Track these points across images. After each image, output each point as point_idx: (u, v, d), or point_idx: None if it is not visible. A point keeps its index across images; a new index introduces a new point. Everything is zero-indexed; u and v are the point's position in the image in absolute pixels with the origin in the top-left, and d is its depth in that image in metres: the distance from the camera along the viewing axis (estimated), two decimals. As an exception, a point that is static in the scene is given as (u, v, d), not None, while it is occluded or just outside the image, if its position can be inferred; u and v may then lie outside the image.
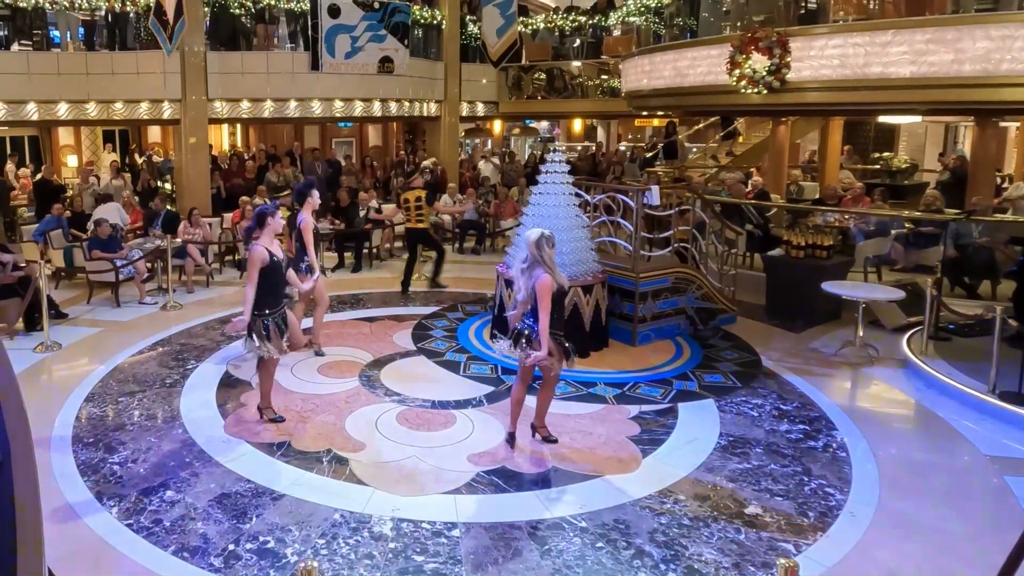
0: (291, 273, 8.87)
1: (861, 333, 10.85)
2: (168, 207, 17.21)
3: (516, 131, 33.06)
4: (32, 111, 17.73)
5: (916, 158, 23.90)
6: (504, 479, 7.39)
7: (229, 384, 9.83)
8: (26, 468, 2.98)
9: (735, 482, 7.36)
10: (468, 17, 24.63)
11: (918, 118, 20.94)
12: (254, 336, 8.17)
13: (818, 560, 6.08)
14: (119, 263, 13.81)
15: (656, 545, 6.30)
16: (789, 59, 13.27)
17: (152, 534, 6.48)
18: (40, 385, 10.19)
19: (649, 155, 24.80)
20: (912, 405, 9.38)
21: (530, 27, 25.40)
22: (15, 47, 17.83)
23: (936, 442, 8.31)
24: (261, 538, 6.40)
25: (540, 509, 6.87)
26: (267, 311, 8.21)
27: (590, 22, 24.59)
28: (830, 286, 11.08)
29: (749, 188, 17.92)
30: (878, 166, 21.76)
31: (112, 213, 15.69)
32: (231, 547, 6.27)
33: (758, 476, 7.47)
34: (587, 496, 7.09)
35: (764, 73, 13.47)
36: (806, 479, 7.38)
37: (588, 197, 12.56)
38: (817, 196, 17.52)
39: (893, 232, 13.71)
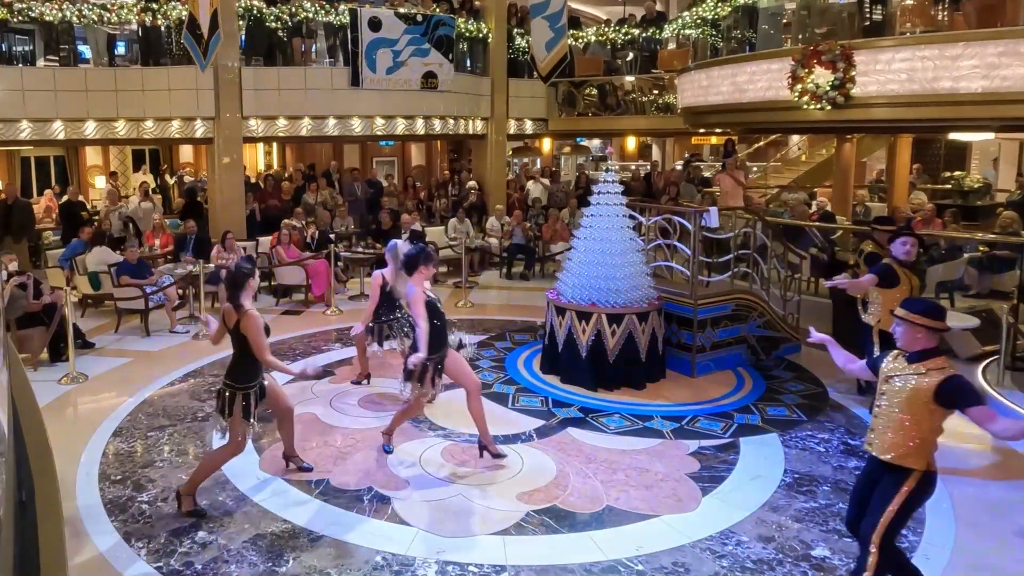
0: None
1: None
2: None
3: (567, 150, 33.08)
4: (59, 130, 17.85)
5: (989, 177, 23.66)
6: (556, 519, 7.37)
7: (264, 419, 9.59)
8: (51, 507, 2.98)
9: (801, 522, 7.30)
10: (516, 30, 24.65)
11: (991, 135, 20.74)
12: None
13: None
14: (149, 290, 13.84)
15: (717, 590, 6.26)
16: (854, 73, 13.20)
17: (183, 578, 6.48)
18: (65, 419, 10.23)
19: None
20: (989, 440, 9.21)
21: (581, 40, 25.40)
22: (41, 63, 17.98)
23: (1016, 480, 8.19)
24: (298, 582, 6.38)
25: (594, 551, 6.84)
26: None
27: (643, 35, 24.54)
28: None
29: (813, 209, 17.83)
30: (949, 186, 21.58)
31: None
32: (268, 591, 6.26)
33: (826, 516, 7.41)
34: (643, 537, 7.05)
35: (828, 88, 13.39)
36: (877, 520, 7.28)
37: (643, 219, 12.55)
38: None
39: (966, 255, 13.55)
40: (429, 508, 7.62)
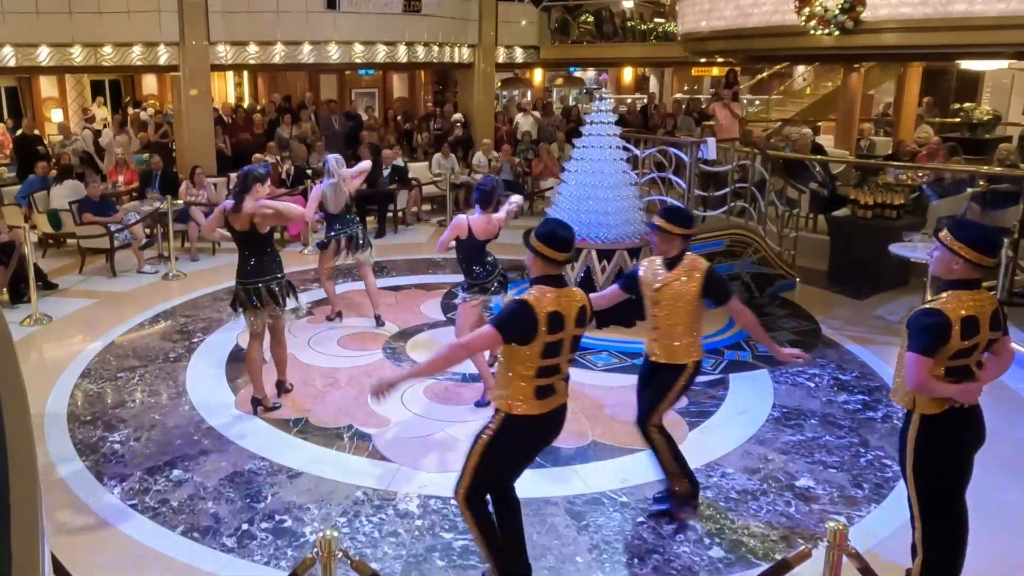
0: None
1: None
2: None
3: (559, 81, 33.04)
4: (8, 56, 17.32)
5: (1001, 109, 23.81)
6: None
7: (240, 357, 9.81)
8: (16, 401, 3.07)
9: (787, 454, 7.71)
10: (506, -52, 24.39)
11: (1005, 64, 20.89)
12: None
13: (871, 532, 6.42)
14: (114, 228, 13.85)
15: (700, 519, 6.65)
16: (865, -5, 13.28)
17: (158, 514, 6.74)
18: (30, 361, 10.37)
19: None
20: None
21: (576, -39, 25.27)
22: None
23: (1002, 412, 8.37)
24: (277, 517, 6.70)
25: (578, 484, 7.22)
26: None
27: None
28: (898, 248, 11.19)
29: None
30: (958, 119, 21.75)
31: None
32: (245, 526, 6.58)
33: (811, 448, 7.82)
34: (628, 470, 7.42)
35: (836, 11, 13.40)
36: (862, 450, 7.70)
37: (637, 151, 12.72)
38: (890, 152, 17.60)
39: (970, 191, 13.76)
40: (411, 444, 7.97)
